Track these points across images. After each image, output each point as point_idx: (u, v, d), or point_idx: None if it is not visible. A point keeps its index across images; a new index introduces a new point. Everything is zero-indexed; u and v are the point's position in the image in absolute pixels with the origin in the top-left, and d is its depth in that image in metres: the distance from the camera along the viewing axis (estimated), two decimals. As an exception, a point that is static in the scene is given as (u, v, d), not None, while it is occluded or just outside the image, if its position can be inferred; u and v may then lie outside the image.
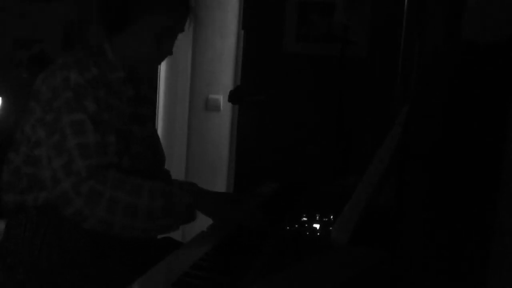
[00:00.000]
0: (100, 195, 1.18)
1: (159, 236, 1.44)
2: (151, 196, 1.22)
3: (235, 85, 3.05)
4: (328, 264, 0.94)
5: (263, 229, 1.27)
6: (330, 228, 1.24)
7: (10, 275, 1.27)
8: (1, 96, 2.99)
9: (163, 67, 3.14)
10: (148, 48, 1.36)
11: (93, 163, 1.21)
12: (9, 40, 3.10)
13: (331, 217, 1.32)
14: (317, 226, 1.28)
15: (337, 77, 2.36)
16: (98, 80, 1.30)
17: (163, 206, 1.22)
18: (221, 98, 3.22)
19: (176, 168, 3.10)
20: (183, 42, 3.15)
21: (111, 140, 1.30)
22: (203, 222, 1.36)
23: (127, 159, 1.35)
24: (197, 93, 3.26)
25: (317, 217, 1.33)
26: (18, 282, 1.26)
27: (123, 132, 1.35)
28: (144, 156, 1.42)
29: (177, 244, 1.49)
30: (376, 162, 1.26)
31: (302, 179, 2.41)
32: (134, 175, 1.28)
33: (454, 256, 0.97)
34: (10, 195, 1.33)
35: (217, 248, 1.17)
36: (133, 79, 1.43)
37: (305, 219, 1.32)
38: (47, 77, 1.30)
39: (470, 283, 0.85)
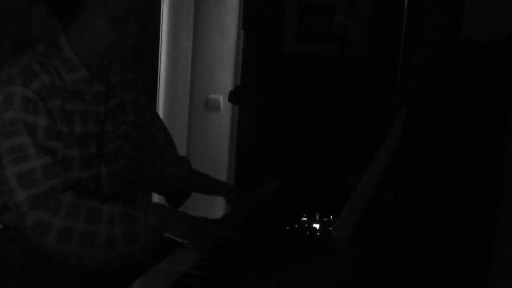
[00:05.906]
0: (47, 226, 1.11)
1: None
2: (110, 222, 1.13)
3: (235, 85, 3.04)
4: (328, 264, 0.94)
5: (238, 242, 1.20)
6: (330, 228, 1.24)
7: (5, 281, 1.25)
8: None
9: (163, 67, 3.14)
10: (105, 34, 1.19)
11: (39, 191, 1.12)
12: (9, 40, 3.09)
13: (331, 217, 1.32)
14: (317, 226, 1.28)
15: (337, 77, 2.36)
16: (49, 88, 1.17)
17: (124, 232, 1.13)
18: (221, 98, 3.21)
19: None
20: (183, 42, 3.15)
21: (74, 154, 1.21)
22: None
23: (103, 162, 1.27)
24: (197, 93, 3.25)
25: (317, 217, 1.33)
26: (13, 286, 1.24)
27: (94, 135, 1.26)
28: (123, 152, 1.33)
29: (177, 244, 1.49)
30: (376, 162, 1.26)
31: (302, 179, 2.41)
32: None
33: (454, 256, 0.97)
34: None
35: (217, 248, 1.17)
36: (102, 73, 1.30)
37: (305, 219, 1.32)
38: None
39: (470, 283, 0.85)
